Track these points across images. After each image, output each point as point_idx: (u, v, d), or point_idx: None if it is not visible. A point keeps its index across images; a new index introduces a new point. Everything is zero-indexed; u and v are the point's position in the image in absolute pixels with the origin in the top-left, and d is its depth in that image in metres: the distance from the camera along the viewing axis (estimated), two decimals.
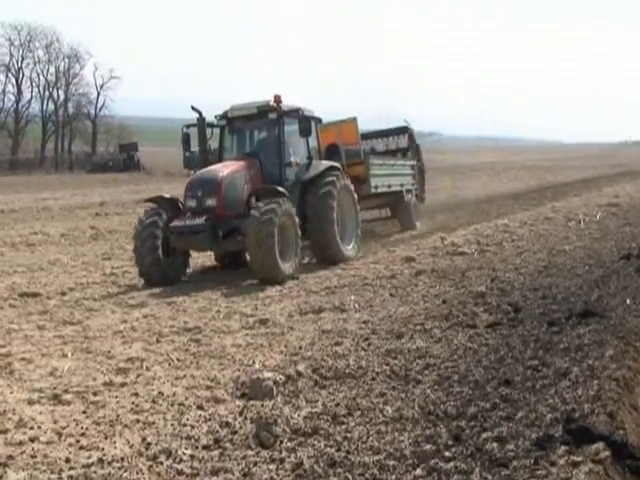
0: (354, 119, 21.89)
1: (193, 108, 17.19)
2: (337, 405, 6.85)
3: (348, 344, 9.09)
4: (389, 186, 21.76)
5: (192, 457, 5.90)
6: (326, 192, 16.51)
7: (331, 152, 19.32)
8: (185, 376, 8.22)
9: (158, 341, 10.03)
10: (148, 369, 8.62)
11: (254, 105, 16.84)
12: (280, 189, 15.44)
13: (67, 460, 5.98)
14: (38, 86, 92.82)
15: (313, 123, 17.23)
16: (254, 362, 8.56)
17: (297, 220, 15.24)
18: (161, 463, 5.83)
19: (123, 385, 8.02)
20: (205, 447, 6.11)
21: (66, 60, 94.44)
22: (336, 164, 17.70)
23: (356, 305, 11.41)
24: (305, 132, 16.48)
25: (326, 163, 17.46)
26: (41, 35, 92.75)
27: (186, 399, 7.38)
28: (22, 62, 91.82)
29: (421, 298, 11.63)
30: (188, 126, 17.70)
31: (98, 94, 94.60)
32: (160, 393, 7.60)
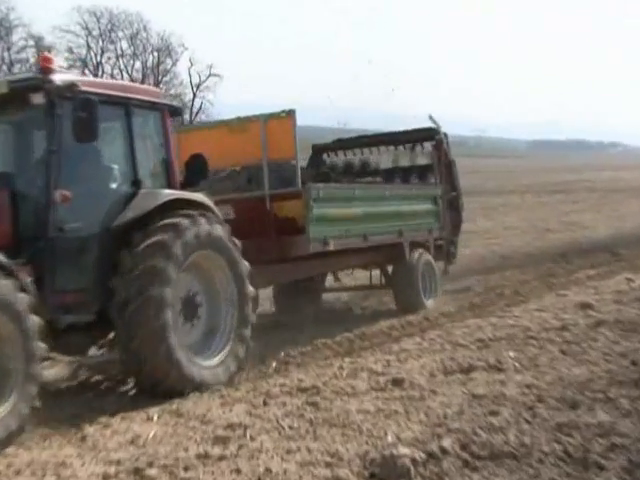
0: (289, 112, 14.75)
1: None
2: None
3: (507, 414, 8.85)
4: (364, 237, 15.73)
5: None
6: (149, 262, 10.73)
7: (192, 170, 12.76)
8: (299, 449, 8.15)
9: (265, 403, 10.06)
10: (252, 439, 8.60)
11: (4, 81, 11.05)
12: None
13: None
14: None
15: (157, 116, 12.01)
16: (386, 434, 8.42)
17: (34, 319, 9.20)
18: None
19: (221, 458, 8.02)
20: None
21: (155, 54, 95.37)
22: (194, 196, 11.86)
23: (516, 364, 11.18)
24: (82, 133, 10.35)
25: (167, 194, 11.48)
26: (125, 23, 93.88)
27: (300, 478, 7.32)
28: (102, 56, 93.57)
29: (602, 357, 11.31)
30: None
31: (194, 95, 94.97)
32: (267, 470, 7.55)
